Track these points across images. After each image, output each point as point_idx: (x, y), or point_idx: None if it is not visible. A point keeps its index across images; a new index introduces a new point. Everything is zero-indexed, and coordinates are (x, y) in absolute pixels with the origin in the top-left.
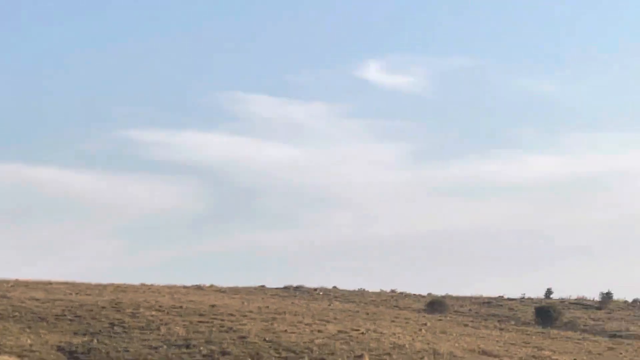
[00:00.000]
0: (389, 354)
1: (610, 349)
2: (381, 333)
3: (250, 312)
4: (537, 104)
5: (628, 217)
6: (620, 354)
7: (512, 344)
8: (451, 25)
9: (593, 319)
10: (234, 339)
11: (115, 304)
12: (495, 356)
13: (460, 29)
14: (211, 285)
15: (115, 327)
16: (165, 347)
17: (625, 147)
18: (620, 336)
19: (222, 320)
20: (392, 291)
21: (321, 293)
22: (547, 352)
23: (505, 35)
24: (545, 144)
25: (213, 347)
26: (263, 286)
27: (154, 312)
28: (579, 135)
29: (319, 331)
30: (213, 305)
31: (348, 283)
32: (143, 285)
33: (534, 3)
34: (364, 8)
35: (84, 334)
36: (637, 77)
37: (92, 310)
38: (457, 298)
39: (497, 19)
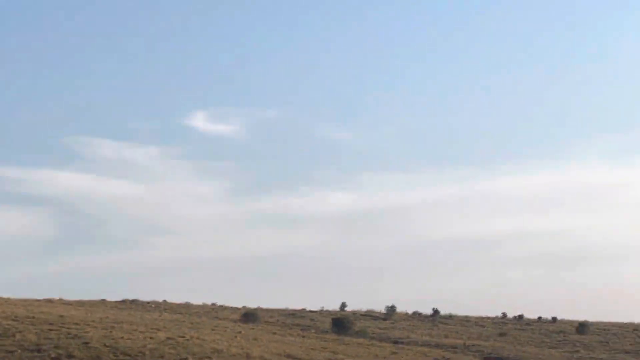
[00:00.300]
0: (209, 357)
1: (394, 353)
2: (203, 339)
3: (93, 321)
4: (336, 148)
5: (410, 243)
6: (402, 357)
7: (312, 349)
8: (264, 82)
9: (380, 328)
10: (78, 344)
11: None
12: (298, 359)
13: (272, 85)
14: (60, 299)
15: None
16: (19, 351)
17: (409, 185)
18: (402, 342)
19: (69, 328)
20: (213, 304)
21: (153, 305)
22: (341, 356)
23: (309, 90)
24: (342, 182)
25: (60, 351)
26: (104, 300)
27: (10, 322)
28: (371, 174)
29: (151, 338)
30: (61, 316)
31: (176, 297)
32: (0, 298)
33: (332, 63)
34: (192, 66)
35: None
36: (418, 126)
37: None
38: (267, 310)
39: (303, 76)
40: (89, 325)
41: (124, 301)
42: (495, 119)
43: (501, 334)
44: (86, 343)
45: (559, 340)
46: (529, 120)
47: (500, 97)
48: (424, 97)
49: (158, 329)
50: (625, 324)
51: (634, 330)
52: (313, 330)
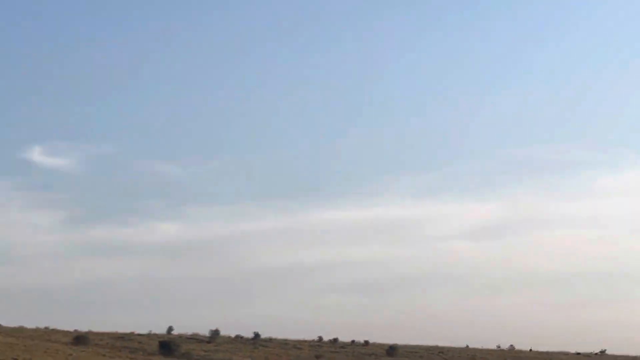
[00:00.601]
0: None
1: None
2: None
3: None
4: (165, 181)
5: (233, 271)
6: None
7: None
8: (99, 118)
9: (204, 351)
10: None
11: None
12: None
13: (106, 122)
14: None
15: None
16: None
17: (232, 217)
18: None
19: None
20: (46, 328)
21: None
22: None
23: (141, 127)
24: (170, 213)
25: None
26: None
27: None
28: (197, 207)
29: None
30: None
31: (9, 321)
32: None
33: (163, 101)
34: (31, 101)
35: None
36: (241, 161)
37: None
38: (98, 334)
39: (135, 114)
40: None
41: None
42: (315, 155)
43: (317, 356)
44: None
45: None
46: (347, 157)
47: (319, 135)
48: (247, 134)
49: None
50: (431, 346)
51: (439, 352)
52: (141, 353)
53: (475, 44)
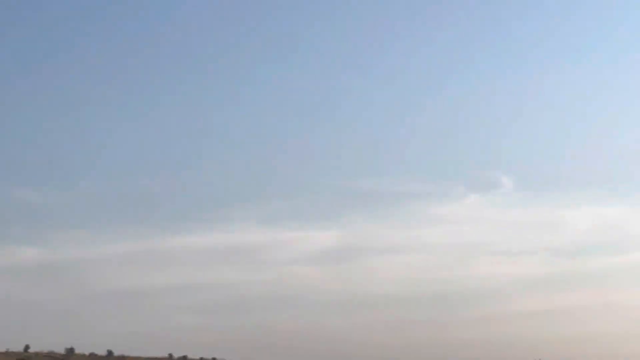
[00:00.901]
0: None
1: None
2: None
3: None
4: (25, 207)
5: (91, 292)
6: None
7: None
8: None
9: None
10: None
11: None
12: None
13: None
14: None
15: None
16: None
17: (93, 241)
18: None
19: None
20: None
21: None
22: None
23: (1, 154)
24: (30, 238)
25: None
26: None
27: None
28: (58, 231)
29: None
30: None
31: None
32: None
33: (29, 127)
34: None
35: None
36: (106, 188)
37: None
38: None
39: None
40: None
41: None
42: (167, 182)
43: None
44: None
45: None
46: (198, 185)
47: (171, 163)
48: (103, 162)
49: None
50: None
51: None
52: None
53: (316, 76)
